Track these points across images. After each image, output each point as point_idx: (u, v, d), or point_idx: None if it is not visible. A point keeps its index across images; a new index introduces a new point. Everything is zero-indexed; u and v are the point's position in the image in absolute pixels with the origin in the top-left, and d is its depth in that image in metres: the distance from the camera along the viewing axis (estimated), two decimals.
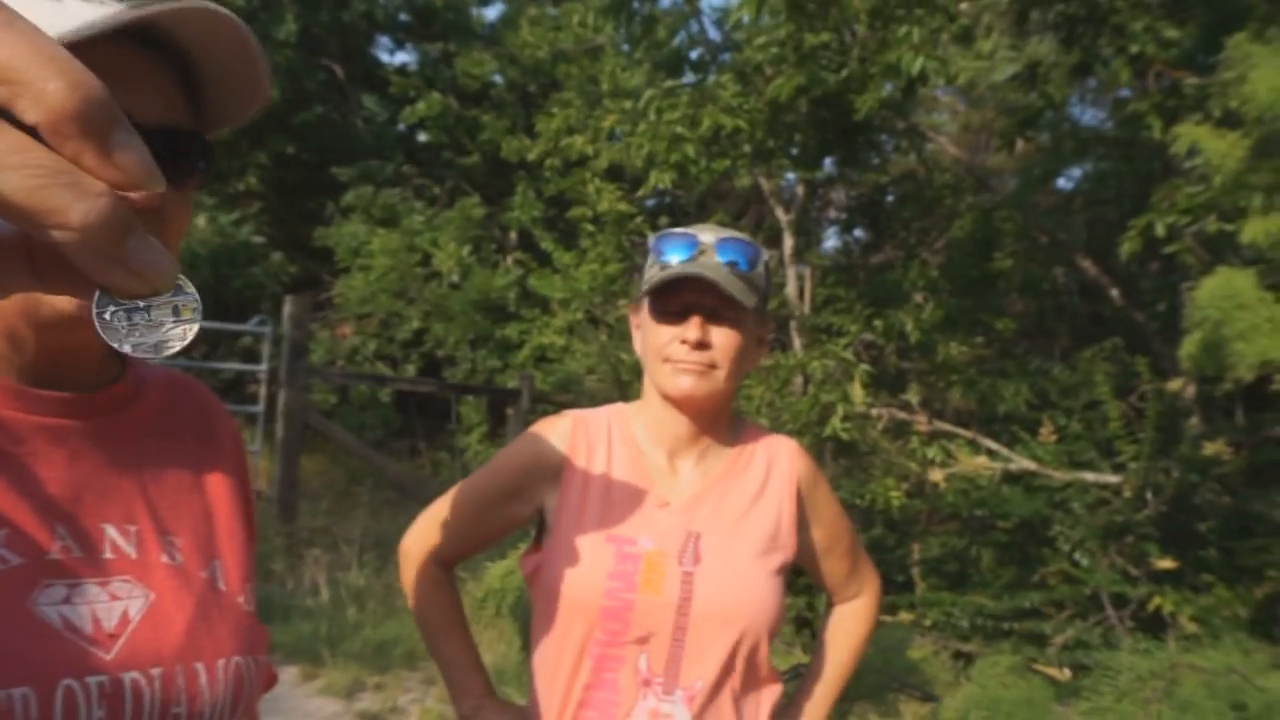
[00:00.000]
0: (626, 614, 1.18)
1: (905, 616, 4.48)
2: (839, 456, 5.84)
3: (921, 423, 4.60)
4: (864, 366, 4.50)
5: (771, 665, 1.28)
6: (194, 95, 0.70)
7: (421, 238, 10.27)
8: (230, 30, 0.67)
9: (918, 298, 5.28)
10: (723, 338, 1.23)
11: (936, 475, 3.84)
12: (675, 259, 1.23)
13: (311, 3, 10.83)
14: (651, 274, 1.25)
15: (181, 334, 0.31)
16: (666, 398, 1.26)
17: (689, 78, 4.92)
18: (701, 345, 1.21)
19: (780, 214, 6.40)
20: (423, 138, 11.41)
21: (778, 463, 1.32)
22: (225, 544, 0.81)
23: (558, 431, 1.29)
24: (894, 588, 5.13)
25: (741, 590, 1.21)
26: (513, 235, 11.41)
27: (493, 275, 10.21)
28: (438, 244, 10.35)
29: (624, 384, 8.02)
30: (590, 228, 10.13)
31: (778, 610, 1.24)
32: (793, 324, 6.10)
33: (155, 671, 0.68)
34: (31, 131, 0.25)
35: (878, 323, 4.75)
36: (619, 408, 1.36)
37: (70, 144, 0.25)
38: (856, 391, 4.21)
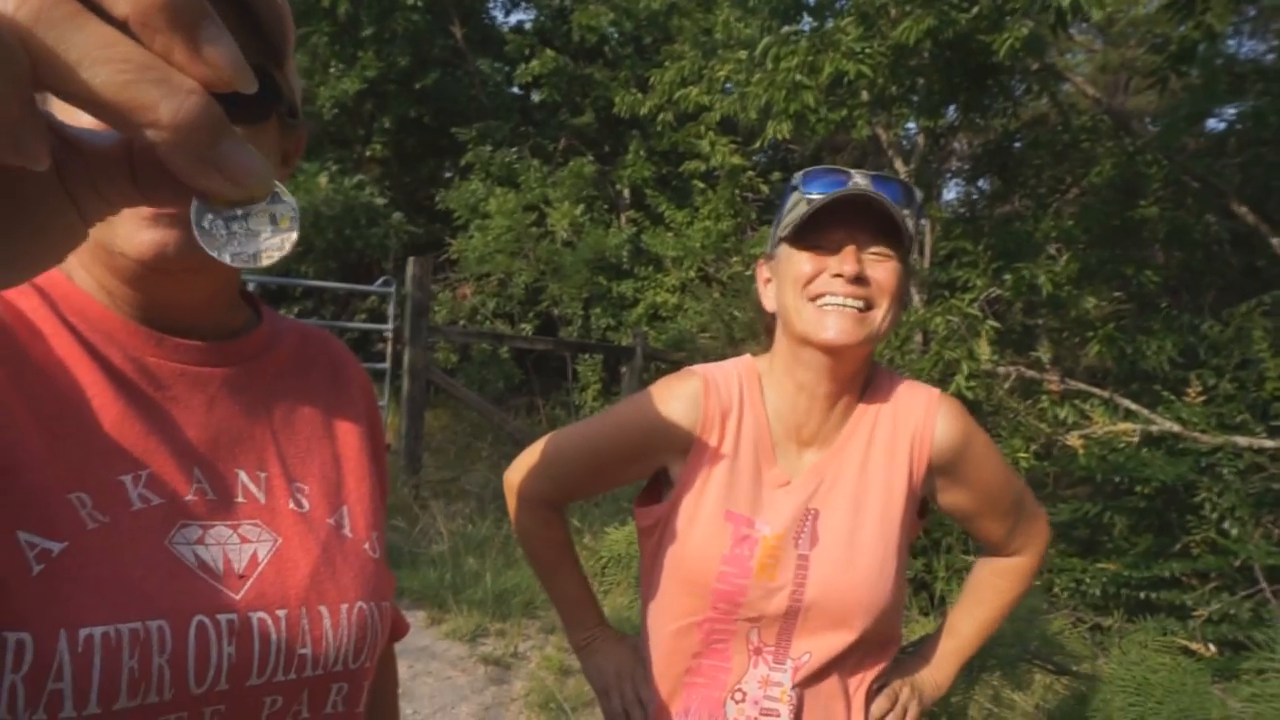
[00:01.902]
0: (739, 598, 1.15)
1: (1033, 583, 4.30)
2: None
3: (1053, 382, 4.36)
4: (991, 323, 4.29)
5: (885, 638, 1.22)
6: (257, 34, 0.69)
7: (534, 193, 10.40)
8: None
9: (1051, 249, 4.98)
10: (882, 272, 1.10)
11: (1074, 440, 3.63)
12: (827, 186, 1.11)
13: None
14: (799, 210, 1.13)
15: (279, 243, 0.31)
16: (810, 344, 1.12)
17: (807, 23, 4.73)
18: (859, 278, 1.08)
19: (899, 165, 6.14)
20: (537, 97, 11.49)
21: (910, 417, 1.18)
22: (353, 492, 0.83)
23: (689, 395, 1.19)
24: None
25: (857, 575, 1.15)
26: (625, 193, 11.42)
27: (606, 234, 10.26)
28: (551, 203, 10.47)
29: (737, 341, 7.94)
30: (701, 184, 10.03)
31: (896, 591, 1.17)
32: (911, 279, 5.87)
33: (281, 613, 0.70)
34: (122, 27, 0.24)
35: (1007, 276, 4.50)
36: (747, 363, 1.25)
37: (160, 38, 0.25)
38: (983, 348, 4.02)
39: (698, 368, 1.23)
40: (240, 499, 0.74)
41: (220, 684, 0.66)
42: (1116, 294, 5.07)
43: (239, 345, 0.78)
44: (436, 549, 5.39)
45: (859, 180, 1.11)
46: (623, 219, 11.15)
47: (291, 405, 0.81)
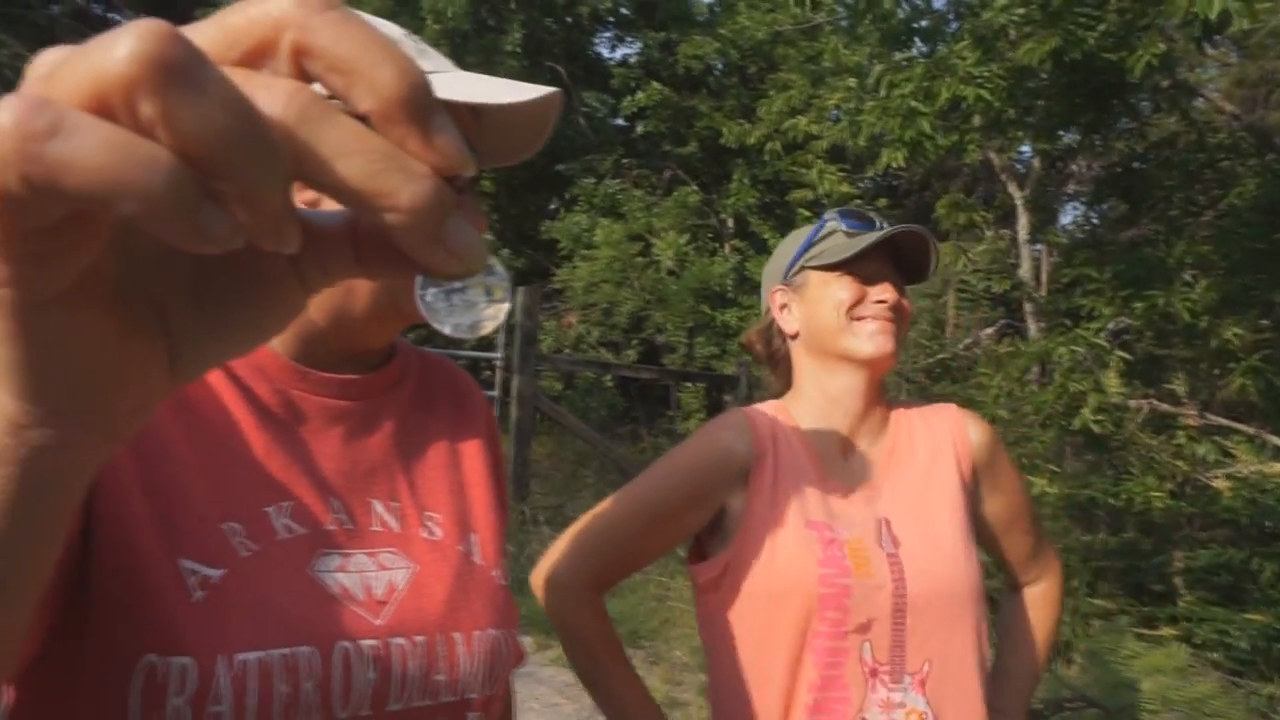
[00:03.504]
0: (845, 599, 1.12)
1: (1168, 632, 4.02)
2: (1086, 451, 5.34)
3: (1190, 416, 4.09)
4: (1119, 353, 4.07)
5: (985, 646, 1.21)
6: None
7: (638, 223, 10.51)
8: (547, 108, 0.73)
9: (1186, 275, 4.69)
10: (906, 304, 1.26)
11: (1220, 481, 3.37)
12: (863, 225, 1.25)
13: (541, 6, 11.34)
14: (836, 241, 1.25)
15: (494, 314, 0.32)
16: (852, 360, 1.23)
17: (919, 49, 4.62)
18: (897, 306, 1.23)
19: (1014, 190, 5.92)
20: (641, 129, 11.66)
21: (941, 429, 1.28)
22: (480, 519, 0.84)
23: (737, 424, 1.23)
24: (1151, 598, 4.63)
25: (948, 564, 1.17)
26: (729, 222, 11.43)
27: (710, 263, 10.27)
28: (656, 232, 10.55)
29: None
30: (806, 213, 9.92)
31: (981, 580, 1.20)
32: (1028, 307, 5.63)
33: (419, 639, 0.72)
34: (364, 121, 0.26)
35: (1137, 304, 4.26)
36: (772, 403, 1.31)
37: (397, 129, 0.26)
38: (1111, 380, 3.81)
39: (735, 408, 1.32)
40: (376, 528, 0.76)
41: (364, 709, 0.67)
42: (1263, 322, 4.72)
43: (376, 379, 0.81)
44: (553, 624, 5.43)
45: (881, 225, 1.25)
46: (727, 248, 11.14)
47: (419, 435, 0.83)
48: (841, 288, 1.23)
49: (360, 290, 0.74)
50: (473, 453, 0.88)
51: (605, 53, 13.73)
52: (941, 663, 1.15)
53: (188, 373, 0.31)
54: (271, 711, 0.62)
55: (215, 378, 0.71)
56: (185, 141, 0.23)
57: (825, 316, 1.24)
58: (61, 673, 0.62)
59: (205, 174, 0.23)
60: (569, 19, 12.10)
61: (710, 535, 1.25)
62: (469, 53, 10.62)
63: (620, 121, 12.60)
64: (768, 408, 1.29)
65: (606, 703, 1.26)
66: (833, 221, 1.27)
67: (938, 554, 1.17)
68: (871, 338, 1.21)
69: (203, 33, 0.26)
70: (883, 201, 9.86)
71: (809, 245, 1.28)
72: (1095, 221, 9.61)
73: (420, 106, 0.26)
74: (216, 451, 0.69)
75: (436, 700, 0.72)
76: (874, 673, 1.14)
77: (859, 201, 9.44)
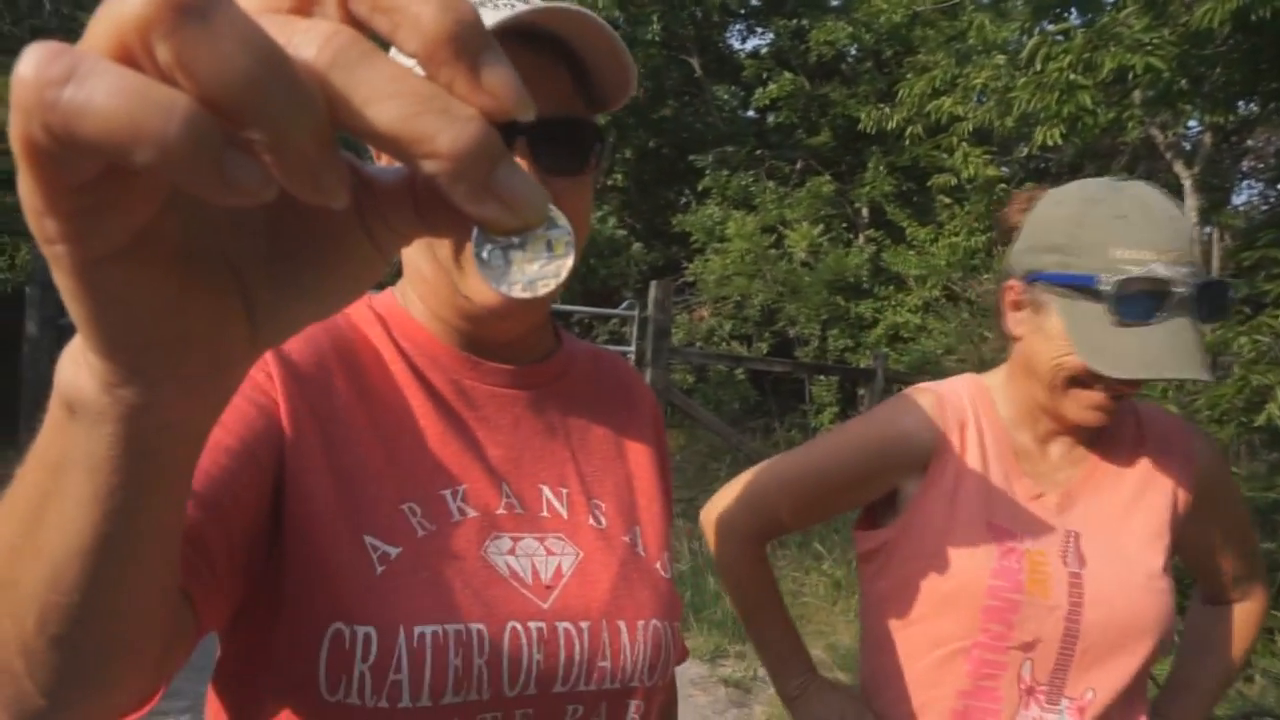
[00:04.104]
0: (1011, 616, 1.06)
1: None
2: (1268, 450, 4.89)
3: None
4: None
5: (1147, 671, 1.12)
6: (583, 86, 0.72)
7: (770, 214, 10.39)
8: (593, 26, 0.68)
9: None
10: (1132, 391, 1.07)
11: None
12: (1140, 316, 0.98)
13: (674, 1, 11.39)
14: (1097, 317, 1.00)
15: (555, 270, 0.30)
16: (1058, 416, 1.09)
17: (1076, 18, 4.32)
18: (1122, 396, 1.06)
19: (1180, 169, 5.49)
20: (772, 120, 11.53)
21: (1166, 444, 1.16)
22: (645, 511, 0.84)
23: (922, 408, 1.15)
24: None
25: (1133, 595, 1.07)
26: (864, 212, 11.15)
27: (845, 254, 10.04)
28: (788, 224, 10.40)
29: (988, 364, 7.43)
30: (946, 200, 9.53)
31: (1171, 613, 1.09)
32: None
33: (584, 624, 0.72)
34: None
35: None
36: (974, 380, 1.19)
37: (444, 70, 0.25)
38: None
39: (924, 385, 1.20)
40: (544, 513, 0.76)
41: (530, 688, 0.68)
42: None
43: (542, 369, 0.82)
44: (678, 567, 5.46)
45: (1178, 290, 0.97)
46: (862, 238, 10.87)
47: (587, 426, 0.84)
48: (1075, 361, 1.04)
49: (468, 297, 0.74)
50: (639, 447, 0.88)
51: (736, 44, 13.66)
52: (1106, 693, 1.07)
53: (270, 335, 0.31)
54: (445, 684, 0.64)
55: (397, 367, 0.75)
56: (204, 85, 0.22)
57: (1045, 367, 1.07)
58: (262, 634, 0.66)
59: (230, 121, 0.22)
60: (699, 12, 12.09)
61: (882, 504, 1.20)
62: None
63: (752, 113, 12.49)
64: (968, 385, 1.18)
65: (760, 648, 1.28)
66: (1104, 284, 0.99)
67: (1124, 582, 1.07)
68: (1084, 409, 1.06)
69: None
70: (1031, 185, 9.34)
71: (1066, 282, 1.04)
72: (1274, 199, 8.82)
73: (467, 45, 0.25)
74: (397, 436, 0.71)
75: (599, 686, 0.72)
76: (1030, 691, 1.08)
77: (1005, 186, 8.98)
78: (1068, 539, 1.09)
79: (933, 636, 1.11)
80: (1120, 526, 1.11)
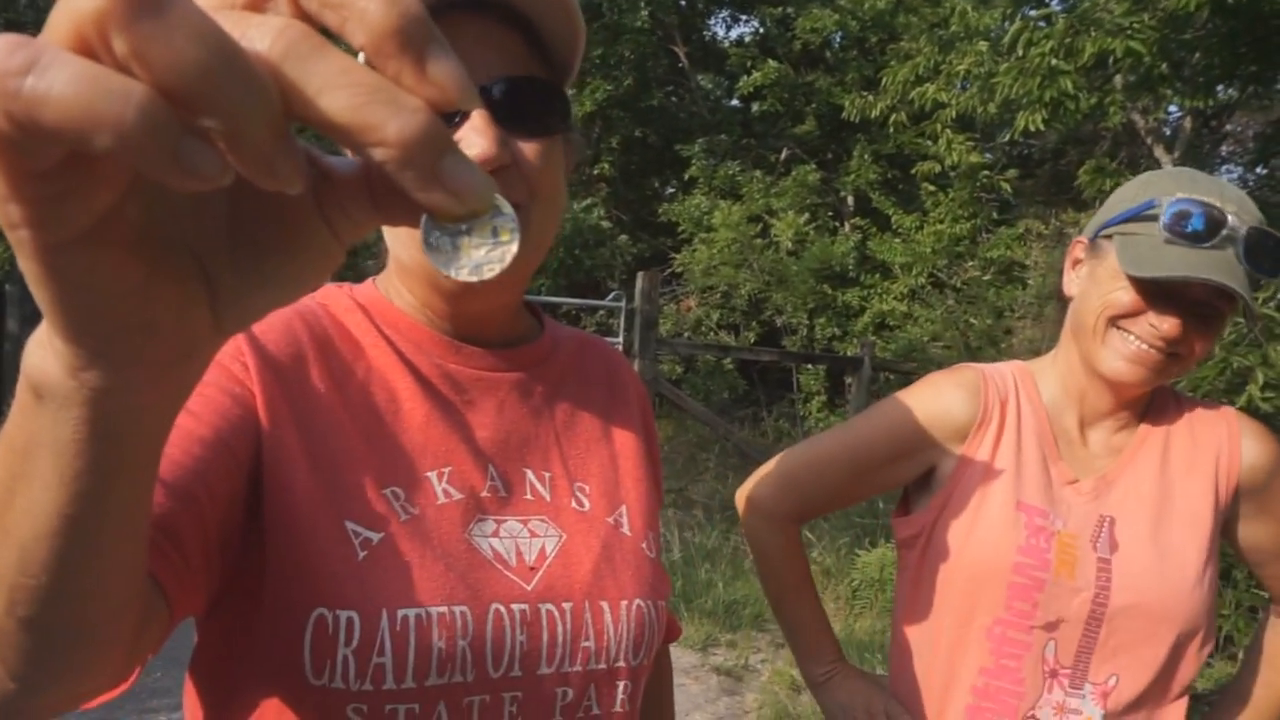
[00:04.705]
0: (1035, 594, 1.06)
1: None
2: None
3: None
4: None
5: (1193, 675, 1.09)
6: (540, 51, 0.72)
7: (757, 204, 10.40)
8: None
9: None
10: (1200, 341, 1.04)
11: None
12: (1188, 238, 1.00)
13: None
14: (1149, 235, 1.02)
15: (500, 255, 0.31)
16: (1095, 372, 1.08)
17: (1058, 3, 4.34)
18: (1174, 340, 1.02)
19: (1160, 153, 5.52)
20: (757, 109, 11.52)
21: (1211, 435, 1.13)
22: (630, 493, 0.84)
23: (967, 384, 1.15)
24: None
25: (1166, 584, 1.05)
26: (849, 200, 11.16)
27: (831, 242, 10.06)
28: (774, 213, 10.41)
29: (973, 351, 7.47)
30: (930, 187, 9.56)
31: (1208, 609, 1.06)
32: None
33: (566, 605, 0.73)
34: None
35: None
36: (1020, 365, 1.21)
37: (391, 63, 0.26)
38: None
39: (968, 364, 1.20)
40: (528, 496, 0.77)
41: (515, 670, 0.69)
42: None
43: (526, 352, 0.82)
44: (668, 557, 5.48)
45: (1233, 224, 1.00)
46: (847, 226, 10.89)
47: (572, 408, 0.84)
48: (1121, 289, 1.04)
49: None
50: (625, 429, 0.88)
51: (721, 32, 13.63)
52: (1131, 680, 1.07)
53: (232, 321, 0.32)
54: (429, 666, 0.64)
55: (380, 352, 0.75)
56: (159, 75, 0.23)
57: (1091, 309, 1.07)
58: (243, 620, 0.66)
59: (186, 110, 0.23)
60: (683, 1, 12.06)
61: (917, 490, 1.21)
62: (602, 28, 10.73)
63: (736, 102, 12.48)
64: (1015, 368, 1.19)
65: (787, 627, 1.28)
66: (1161, 206, 1.02)
67: (1157, 569, 1.06)
68: (1120, 358, 1.04)
69: None
70: (1014, 172, 9.39)
71: (1127, 217, 1.06)
72: (1253, 184, 8.90)
73: (412, 38, 0.26)
74: (381, 421, 0.72)
75: (585, 667, 0.73)
76: (1054, 673, 1.08)
77: (988, 174, 9.01)
78: (1101, 524, 1.09)
79: (959, 613, 1.11)
80: (1158, 515, 1.09)
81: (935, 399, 1.16)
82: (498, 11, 0.69)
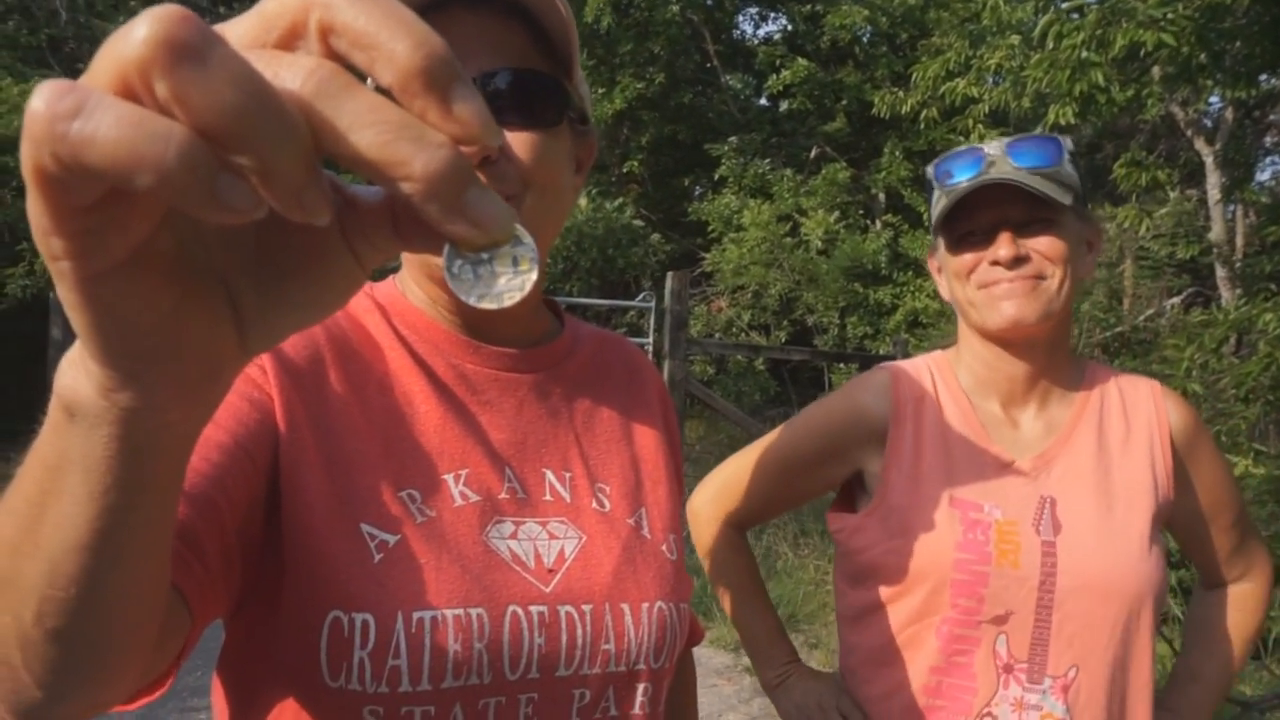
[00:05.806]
0: (980, 589, 1.04)
1: None
2: None
3: None
4: None
5: (1153, 650, 1.08)
6: (545, 45, 0.72)
7: (787, 203, 10.35)
8: None
9: None
10: (1044, 244, 1.06)
11: None
12: (963, 178, 1.07)
13: None
14: (940, 204, 1.10)
15: (520, 284, 0.32)
16: (991, 335, 1.11)
17: None
18: (1019, 260, 1.06)
19: (1201, 145, 5.41)
20: (786, 107, 11.46)
21: (1140, 408, 1.15)
22: (650, 494, 0.84)
23: (877, 385, 1.17)
24: None
25: (1114, 560, 1.04)
26: (880, 197, 11.07)
27: (862, 240, 9.98)
28: (805, 212, 10.35)
29: None
30: None
31: (1160, 581, 1.05)
32: (1220, 273, 5.13)
33: (586, 608, 0.72)
34: (390, 95, 0.28)
35: None
36: (935, 355, 1.21)
37: (417, 101, 0.27)
38: None
39: (884, 363, 1.22)
40: (547, 497, 0.77)
41: (532, 672, 0.69)
42: None
43: (545, 352, 0.82)
44: (696, 558, 5.46)
45: (992, 151, 1.07)
46: (879, 223, 10.79)
47: (592, 409, 0.84)
48: (956, 254, 1.10)
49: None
50: (646, 429, 0.88)
51: (749, 30, 13.59)
52: (1092, 670, 1.04)
53: (257, 342, 0.33)
54: (445, 668, 0.65)
55: (396, 355, 0.75)
56: (198, 117, 0.24)
57: (954, 289, 1.13)
58: (262, 623, 0.67)
59: (222, 148, 0.25)
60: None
61: (856, 489, 1.21)
62: (631, 24, 10.72)
63: (764, 101, 12.44)
64: (931, 361, 1.20)
65: (741, 633, 1.30)
66: (934, 178, 1.13)
67: (1104, 546, 1.05)
68: (996, 306, 1.07)
69: (242, 21, 0.28)
70: None
71: (932, 207, 1.14)
72: None
73: (438, 78, 0.27)
74: (397, 423, 0.72)
75: (604, 670, 0.72)
76: (1008, 669, 1.05)
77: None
78: (1042, 505, 1.08)
79: (903, 614, 1.10)
80: (1099, 491, 1.09)
81: (848, 402, 1.18)
82: (499, 5, 0.70)
